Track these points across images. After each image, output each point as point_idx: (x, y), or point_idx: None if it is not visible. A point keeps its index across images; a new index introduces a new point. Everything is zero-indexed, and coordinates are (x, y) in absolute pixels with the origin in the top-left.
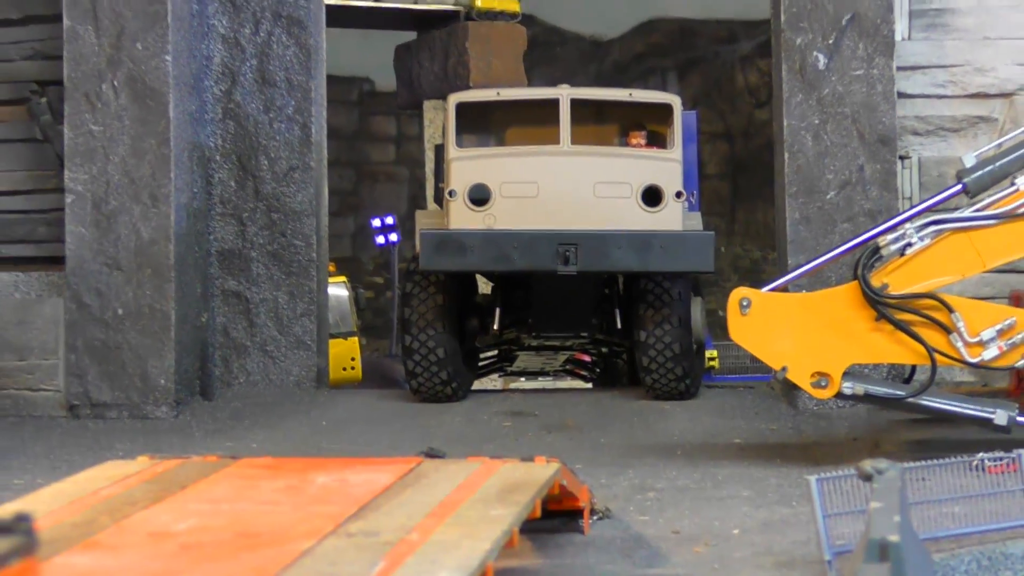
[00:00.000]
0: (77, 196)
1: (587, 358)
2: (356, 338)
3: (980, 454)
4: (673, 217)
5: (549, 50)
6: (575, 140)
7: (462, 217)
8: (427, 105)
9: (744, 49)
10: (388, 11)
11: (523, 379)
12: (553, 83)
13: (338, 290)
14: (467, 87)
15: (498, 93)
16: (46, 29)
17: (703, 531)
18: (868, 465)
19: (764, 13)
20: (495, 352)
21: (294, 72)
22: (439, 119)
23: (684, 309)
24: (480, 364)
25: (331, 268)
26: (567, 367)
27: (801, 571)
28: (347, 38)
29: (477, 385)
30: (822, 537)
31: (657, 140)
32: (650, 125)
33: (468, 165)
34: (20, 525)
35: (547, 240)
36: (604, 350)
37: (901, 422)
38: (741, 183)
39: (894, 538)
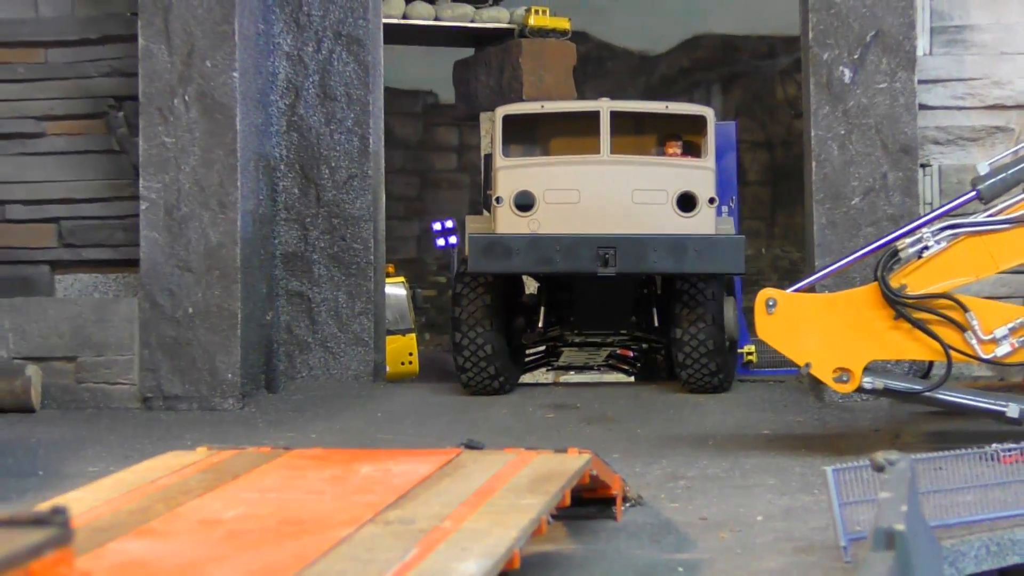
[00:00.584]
0: (151, 203)
1: (629, 353)
2: (413, 334)
3: (994, 445)
4: (706, 221)
5: (601, 65)
6: (614, 150)
7: (508, 222)
8: (483, 117)
9: (783, 63)
10: (447, 29)
11: (572, 372)
12: (605, 95)
13: (397, 290)
14: (520, 100)
15: (542, 106)
16: (122, 48)
17: (729, 518)
18: (880, 456)
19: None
20: (543, 348)
21: (353, 87)
22: None
23: (717, 308)
24: (528, 360)
25: (390, 270)
26: (610, 362)
27: (819, 556)
28: (411, 54)
29: (528, 379)
30: (838, 524)
31: (692, 149)
32: (685, 135)
33: (514, 173)
34: (56, 518)
35: (588, 244)
36: (644, 346)
37: (921, 415)
38: (780, 189)
39: (900, 527)
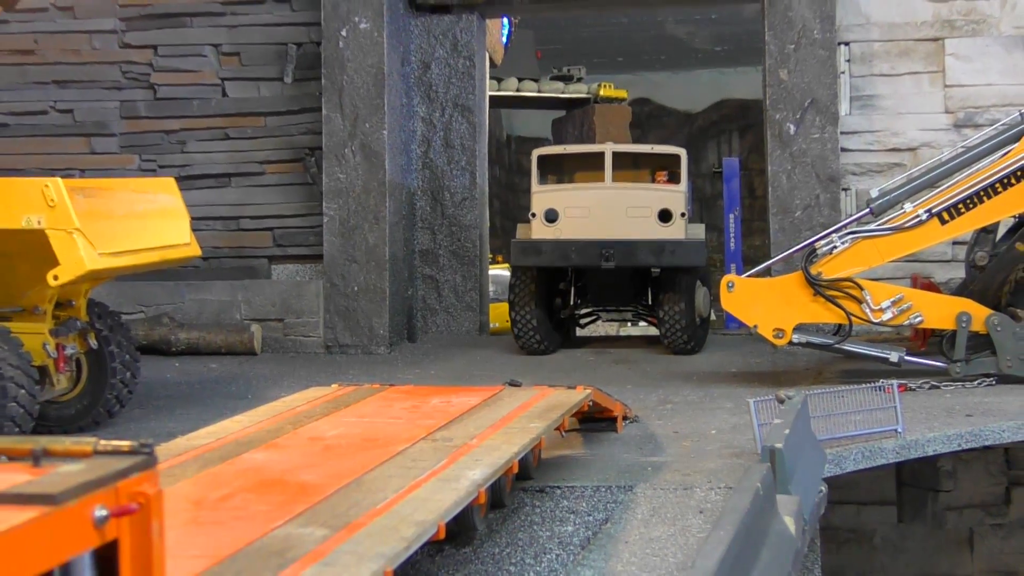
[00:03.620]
0: (331, 218)
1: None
2: None
3: (882, 380)
4: (679, 230)
5: (658, 120)
6: (615, 179)
7: (540, 230)
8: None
9: None
10: (547, 99)
11: (629, 324)
12: (662, 142)
13: (503, 272)
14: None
15: (565, 148)
16: (313, 116)
17: (693, 431)
18: (782, 393)
19: None
20: (590, 311)
21: (466, 140)
22: None
23: (690, 294)
24: (585, 320)
25: (499, 259)
26: (641, 317)
27: (746, 460)
28: (532, 115)
29: (590, 331)
30: (757, 438)
31: (673, 178)
32: (669, 168)
33: (545, 196)
34: (143, 448)
35: (594, 246)
36: None
37: (840, 359)
38: None
39: (779, 445)
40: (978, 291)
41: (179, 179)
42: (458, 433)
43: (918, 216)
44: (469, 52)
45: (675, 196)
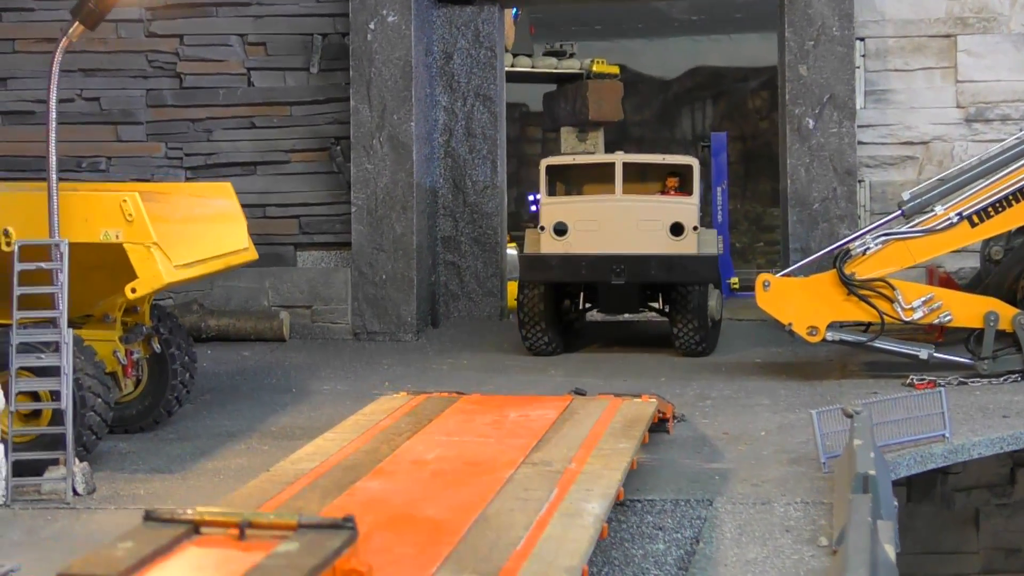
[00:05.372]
0: (358, 207)
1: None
2: None
3: (910, 376)
4: (691, 243)
5: (634, 87)
6: (625, 190)
7: (549, 244)
8: (563, 130)
9: (753, 85)
10: (540, 74)
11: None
12: (637, 109)
13: (513, 251)
14: (587, 120)
15: (574, 159)
16: (340, 106)
17: (742, 432)
18: (850, 408)
19: (767, 61)
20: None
21: (487, 128)
22: (570, 137)
23: (703, 300)
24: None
25: (508, 237)
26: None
27: (805, 467)
28: (514, 84)
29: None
30: (819, 447)
31: (684, 186)
32: (679, 176)
33: (554, 208)
34: (347, 523)
35: (604, 260)
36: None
37: (861, 351)
38: (750, 167)
39: (872, 472)
40: (993, 284)
41: (205, 167)
42: (553, 455)
43: (949, 219)
44: (491, 43)
45: (687, 208)
